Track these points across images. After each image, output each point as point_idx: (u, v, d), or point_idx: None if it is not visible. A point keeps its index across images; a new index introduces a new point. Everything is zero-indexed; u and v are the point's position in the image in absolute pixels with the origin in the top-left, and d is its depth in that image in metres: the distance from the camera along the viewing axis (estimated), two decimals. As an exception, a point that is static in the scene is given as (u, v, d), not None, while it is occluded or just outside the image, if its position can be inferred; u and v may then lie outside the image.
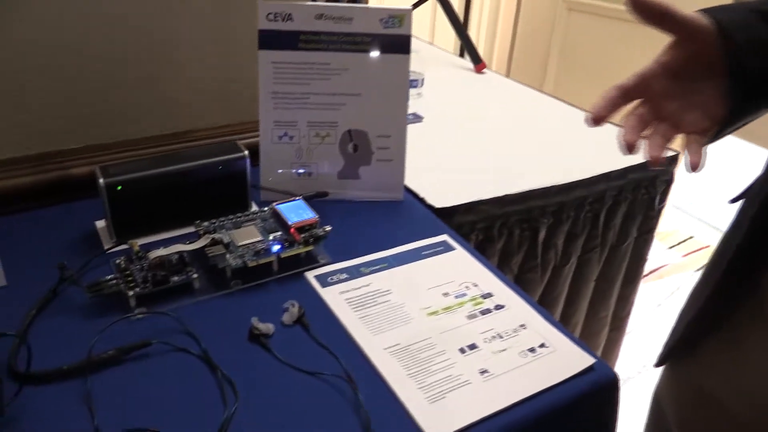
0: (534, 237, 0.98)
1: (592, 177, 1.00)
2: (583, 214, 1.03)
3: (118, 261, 0.67)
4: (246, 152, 0.77)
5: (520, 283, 1.02)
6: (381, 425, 0.53)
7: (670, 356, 0.66)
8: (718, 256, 0.58)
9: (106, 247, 0.72)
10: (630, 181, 1.06)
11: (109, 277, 0.64)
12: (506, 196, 0.92)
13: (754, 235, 0.53)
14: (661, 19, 0.48)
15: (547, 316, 0.67)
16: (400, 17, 0.79)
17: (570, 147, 1.12)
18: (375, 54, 0.80)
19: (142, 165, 0.74)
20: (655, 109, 0.51)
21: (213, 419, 0.52)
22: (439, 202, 0.87)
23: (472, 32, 2.29)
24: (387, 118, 0.83)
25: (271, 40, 0.78)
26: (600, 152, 1.07)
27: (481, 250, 0.94)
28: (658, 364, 0.69)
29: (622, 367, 1.57)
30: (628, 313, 1.27)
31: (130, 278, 0.65)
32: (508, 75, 2.42)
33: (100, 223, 0.76)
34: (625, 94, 0.51)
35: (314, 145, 0.83)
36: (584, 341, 1.20)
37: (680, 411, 0.66)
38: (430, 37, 2.22)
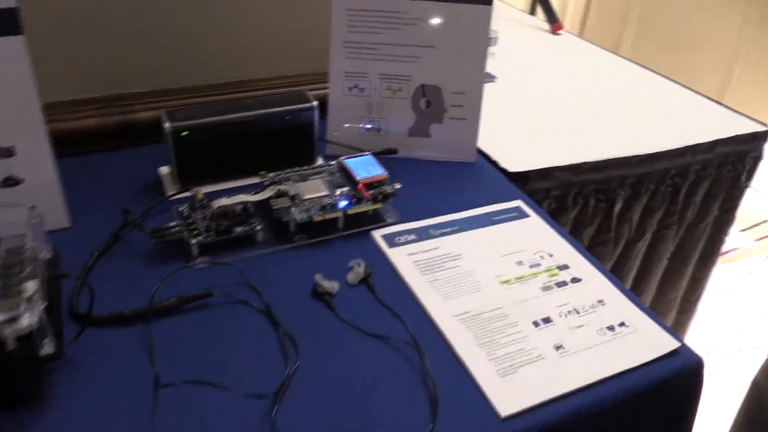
0: (609, 209, 0.92)
1: (678, 149, 0.93)
2: (663, 188, 0.96)
3: (181, 208, 0.65)
4: (315, 103, 0.74)
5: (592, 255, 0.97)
6: (448, 396, 0.50)
7: None
8: None
9: (169, 194, 0.70)
10: (717, 155, 0.99)
11: (172, 224, 0.63)
12: (584, 163, 0.86)
13: None
14: None
15: (628, 293, 0.62)
16: (485, -36, 0.73)
17: (653, 116, 1.04)
18: (453, 3, 0.75)
19: (208, 111, 0.71)
20: None
21: (272, 376, 0.50)
22: (512, 166, 0.82)
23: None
24: (463, 74, 0.78)
25: (345, -16, 0.74)
26: (686, 123, 1.00)
27: (553, 217, 0.88)
28: None
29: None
30: (699, 297, 1.20)
31: (192, 226, 0.63)
32: (581, 36, 2.31)
33: (164, 169, 0.74)
34: None
35: (385, 99, 0.79)
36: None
37: None
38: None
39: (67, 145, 0.76)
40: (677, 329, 1.23)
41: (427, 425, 0.47)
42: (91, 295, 0.52)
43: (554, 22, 1.35)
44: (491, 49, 1.18)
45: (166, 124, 0.68)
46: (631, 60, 1.27)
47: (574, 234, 0.93)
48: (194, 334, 0.54)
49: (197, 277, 0.60)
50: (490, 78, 1.10)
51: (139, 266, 0.61)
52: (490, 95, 1.03)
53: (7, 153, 0.60)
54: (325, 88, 0.79)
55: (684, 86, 1.13)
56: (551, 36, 1.36)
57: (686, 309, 1.20)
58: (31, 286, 0.45)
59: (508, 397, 0.50)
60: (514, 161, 0.83)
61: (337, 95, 0.79)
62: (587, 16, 2.26)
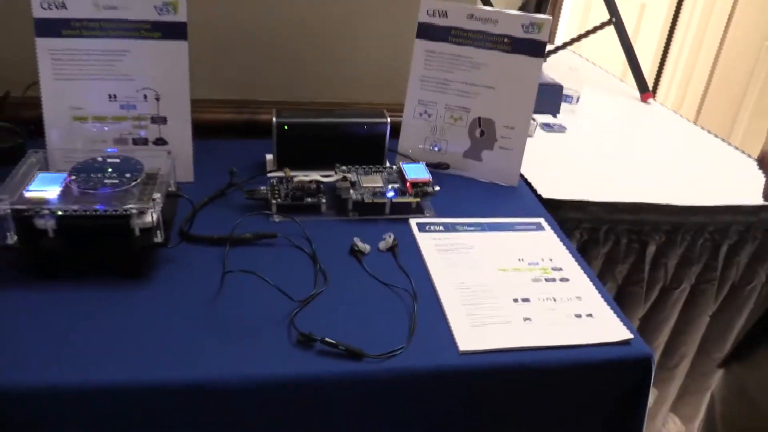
0: (642, 250, 1.03)
1: (716, 206, 1.02)
2: (701, 241, 1.05)
3: (272, 180, 0.87)
4: (388, 119, 0.94)
5: (623, 295, 1.07)
6: (425, 331, 0.66)
7: (729, 360, 0.71)
8: None
9: (268, 171, 0.93)
10: (762, 220, 1.06)
11: (263, 188, 0.85)
12: (617, 202, 0.98)
13: None
14: None
15: (610, 302, 0.74)
16: (540, 24, 0.90)
17: (696, 169, 1.14)
18: (512, 54, 0.92)
19: (307, 114, 0.94)
20: None
21: (304, 293, 0.69)
22: (548, 193, 0.97)
23: (668, 68, 2.27)
24: (514, 111, 0.94)
25: (427, 31, 0.94)
26: (730, 182, 1.08)
27: (584, 249, 1.01)
28: (719, 366, 0.73)
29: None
30: (750, 364, 1.23)
31: (276, 192, 0.84)
32: (697, 118, 2.35)
33: (269, 156, 0.97)
34: None
35: (447, 125, 0.97)
36: (690, 379, 1.21)
37: (724, 407, 0.70)
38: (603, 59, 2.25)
39: (207, 132, 1.02)
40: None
41: (402, 344, 0.64)
42: (190, 219, 0.74)
43: (643, 91, 1.46)
44: (572, 107, 1.33)
45: (274, 119, 0.91)
46: (697, 124, 1.37)
47: (606, 269, 1.04)
48: (257, 260, 0.74)
49: (271, 225, 0.81)
50: (561, 128, 1.25)
51: (234, 212, 0.83)
52: (555, 141, 1.19)
53: (163, 120, 0.86)
54: (399, 116, 0.99)
55: (735, 147, 1.22)
56: (638, 103, 1.47)
57: (734, 373, 1.23)
58: (156, 196, 0.68)
59: (470, 338, 0.65)
60: (551, 189, 0.97)
61: (410, 117, 0.98)
62: (705, 99, 2.31)
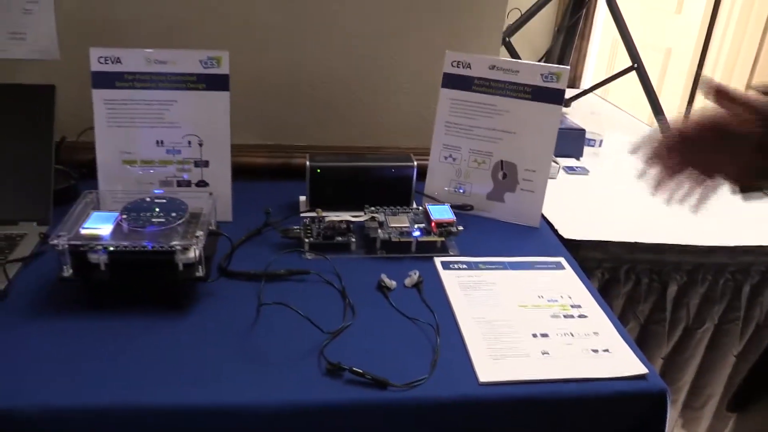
0: (663, 290, 1.05)
1: (737, 246, 1.04)
2: (722, 281, 1.06)
3: (305, 220, 0.93)
4: (414, 163, 0.99)
5: (646, 334, 1.09)
6: (447, 361, 0.70)
7: (739, 404, 0.72)
8: None
9: (301, 211, 0.98)
10: (784, 261, 1.07)
11: (296, 227, 0.90)
12: (637, 242, 1.01)
13: None
14: (732, 102, 0.60)
15: (627, 338, 0.77)
16: (558, 74, 0.96)
17: (718, 210, 1.15)
18: (533, 102, 0.97)
19: (338, 158, 1.00)
20: (690, 157, 0.63)
21: (333, 325, 0.73)
22: (568, 233, 1.00)
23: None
24: (535, 155, 0.99)
25: (452, 81, 1.00)
26: (752, 222, 1.10)
27: (605, 289, 1.04)
28: (728, 410, 0.74)
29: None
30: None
31: (309, 231, 0.90)
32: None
33: (302, 197, 1.03)
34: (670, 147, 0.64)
35: (471, 168, 1.02)
36: (716, 419, 1.21)
37: None
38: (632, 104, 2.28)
39: (245, 174, 1.08)
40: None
41: (425, 374, 0.67)
42: (229, 256, 0.80)
43: (666, 135, 1.50)
44: (595, 150, 1.37)
45: (307, 163, 0.97)
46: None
47: (627, 308, 1.07)
48: (290, 294, 0.79)
49: (304, 262, 0.86)
50: (584, 171, 1.29)
51: (268, 249, 0.88)
52: (577, 183, 1.23)
53: (205, 164, 0.93)
54: (426, 159, 1.04)
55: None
56: (663, 147, 1.50)
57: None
58: (199, 234, 0.74)
59: (489, 370, 0.69)
60: (572, 229, 1.01)
61: (435, 161, 1.04)
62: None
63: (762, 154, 0.58)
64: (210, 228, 0.82)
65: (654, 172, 0.64)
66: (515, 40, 1.60)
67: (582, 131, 1.36)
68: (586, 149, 1.37)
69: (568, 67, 0.97)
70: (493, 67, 0.98)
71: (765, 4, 2.27)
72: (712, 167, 0.62)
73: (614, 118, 1.72)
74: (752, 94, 0.59)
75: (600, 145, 1.38)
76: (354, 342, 0.72)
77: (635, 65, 1.53)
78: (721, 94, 0.60)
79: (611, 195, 1.21)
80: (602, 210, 1.13)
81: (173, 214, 0.77)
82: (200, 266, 0.73)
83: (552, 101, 0.97)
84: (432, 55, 1.11)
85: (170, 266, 0.73)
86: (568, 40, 1.67)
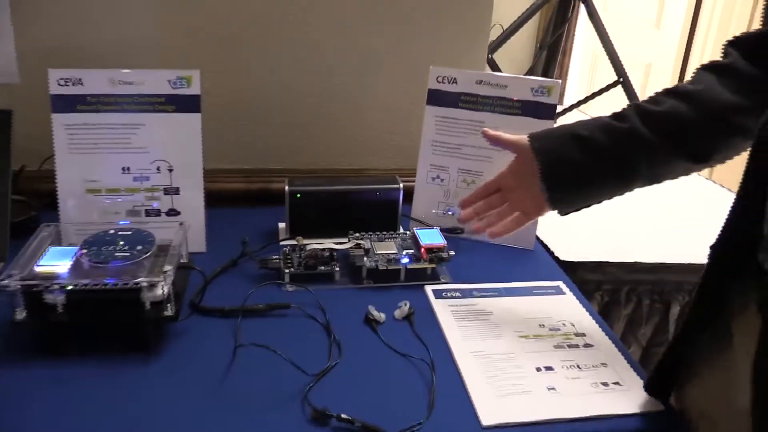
0: (665, 311, 1.00)
1: (739, 265, 1.00)
2: (726, 301, 1.01)
3: (285, 249, 0.86)
4: (401, 185, 0.94)
5: (647, 357, 1.03)
6: (445, 402, 0.63)
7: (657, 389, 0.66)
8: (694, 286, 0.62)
9: (280, 239, 0.92)
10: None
11: (275, 257, 0.83)
12: (636, 263, 0.96)
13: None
14: (497, 141, 0.79)
15: (638, 369, 0.71)
16: (549, 88, 0.91)
17: (717, 227, 1.11)
18: (523, 117, 0.92)
19: (318, 182, 0.94)
20: (505, 197, 0.78)
21: (318, 366, 0.66)
22: (565, 255, 0.95)
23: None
24: (527, 174, 0.94)
25: (437, 98, 0.95)
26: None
27: (606, 311, 0.98)
28: (649, 392, 0.67)
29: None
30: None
31: (289, 261, 0.83)
32: (711, 173, 2.34)
33: (282, 224, 0.97)
34: (486, 188, 0.79)
35: (461, 189, 0.97)
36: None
37: None
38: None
39: (220, 201, 1.02)
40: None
41: (421, 418, 0.61)
42: (202, 291, 0.73)
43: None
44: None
45: (286, 187, 0.90)
46: (708, 178, 1.35)
47: (627, 332, 1.01)
48: (270, 331, 0.72)
49: (284, 295, 0.79)
50: (575, 189, 1.24)
51: (246, 282, 0.82)
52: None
53: (176, 191, 0.86)
54: (412, 181, 0.99)
55: None
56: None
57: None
58: (167, 269, 0.67)
59: (492, 411, 0.62)
60: (568, 250, 0.96)
61: (422, 182, 0.98)
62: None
63: (546, 184, 0.71)
64: (181, 261, 0.75)
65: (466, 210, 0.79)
66: (497, 57, 1.56)
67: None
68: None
69: (560, 81, 0.92)
70: (480, 82, 0.93)
71: (743, 19, 2.28)
72: (518, 204, 0.77)
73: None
74: (511, 136, 0.77)
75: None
76: (341, 384, 0.65)
77: (621, 79, 1.50)
78: (488, 137, 0.80)
79: (605, 213, 1.15)
80: (597, 229, 1.08)
81: (139, 248, 0.70)
82: (169, 304, 0.66)
83: (543, 116, 0.92)
84: (415, 71, 1.06)
85: (136, 305, 0.66)
86: (552, 56, 1.63)
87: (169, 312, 0.66)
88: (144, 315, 0.66)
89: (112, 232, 0.73)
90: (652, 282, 0.98)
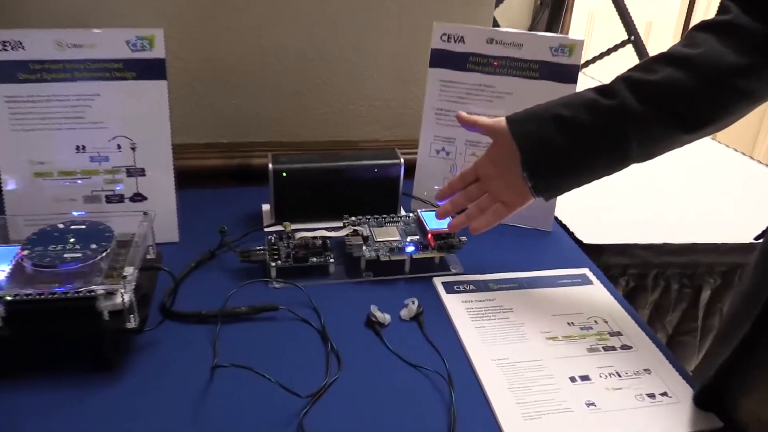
0: (695, 296, 0.90)
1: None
2: (760, 282, 0.92)
3: (270, 237, 0.74)
4: (401, 160, 0.82)
5: (673, 345, 0.94)
6: (464, 426, 0.53)
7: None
8: (752, 296, 0.52)
9: (264, 225, 0.80)
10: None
11: (258, 247, 0.72)
12: (666, 244, 0.86)
13: None
14: (473, 126, 0.71)
15: (681, 370, 0.61)
16: (571, 47, 0.79)
17: (753, 205, 1.01)
18: (541, 81, 0.81)
19: (307, 158, 0.82)
20: (484, 187, 0.69)
21: (313, 383, 0.56)
22: (588, 237, 0.84)
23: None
24: (545, 145, 0.82)
25: (441, 59, 0.82)
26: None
27: (631, 297, 0.88)
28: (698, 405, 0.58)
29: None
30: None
31: (276, 252, 0.72)
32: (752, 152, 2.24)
33: (266, 206, 0.85)
34: (463, 178, 0.71)
35: (469, 163, 0.85)
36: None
37: None
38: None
39: (194, 180, 0.89)
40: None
41: (441, 448, 0.50)
42: (173, 291, 0.61)
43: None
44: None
45: (270, 165, 0.78)
46: (730, 147, 1.24)
47: (654, 319, 0.91)
48: (255, 339, 0.61)
49: (271, 294, 0.68)
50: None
51: (226, 279, 0.70)
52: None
53: (141, 173, 0.74)
54: (414, 153, 0.87)
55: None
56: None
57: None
58: (128, 271, 0.55)
59: (525, 437, 0.52)
60: (591, 233, 0.85)
61: (425, 156, 0.86)
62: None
63: (528, 172, 0.64)
64: (148, 256, 0.64)
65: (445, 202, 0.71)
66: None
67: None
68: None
69: (583, 39, 0.80)
70: (491, 41, 0.81)
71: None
72: (498, 193, 0.68)
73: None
74: (484, 118, 0.70)
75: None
76: (341, 404, 0.54)
77: (632, 38, 1.38)
78: (463, 121, 0.72)
79: (626, 187, 1.05)
80: (619, 207, 0.97)
81: (93, 246, 0.58)
82: (132, 315, 0.55)
83: (564, 80, 0.80)
84: (415, 30, 0.94)
85: (91, 316, 0.54)
86: (555, 14, 1.51)
87: (132, 323, 0.55)
88: (102, 327, 0.55)
89: (61, 227, 0.61)
90: (683, 265, 0.88)
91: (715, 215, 0.96)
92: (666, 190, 1.05)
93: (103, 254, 0.58)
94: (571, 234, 0.85)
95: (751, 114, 0.61)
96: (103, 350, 0.56)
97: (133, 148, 0.73)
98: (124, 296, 0.54)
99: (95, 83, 0.71)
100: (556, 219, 0.86)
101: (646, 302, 0.89)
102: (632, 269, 0.86)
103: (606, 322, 0.67)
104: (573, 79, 0.80)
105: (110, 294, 0.54)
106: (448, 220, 0.75)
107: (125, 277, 0.54)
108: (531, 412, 0.55)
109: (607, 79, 0.63)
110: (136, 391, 0.55)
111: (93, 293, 0.53)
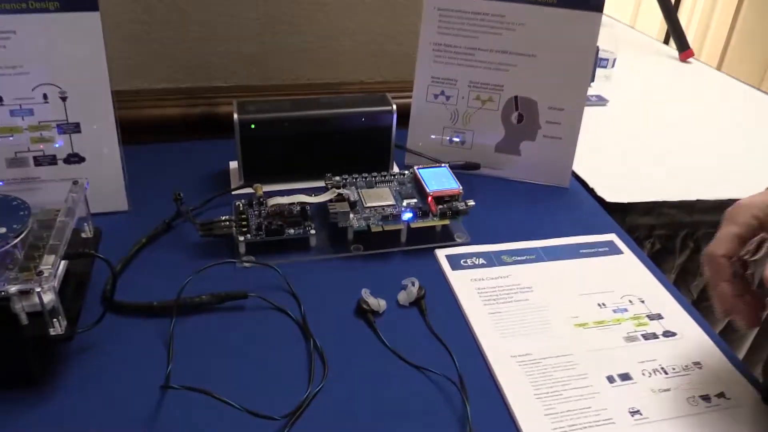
0: (727, 258, 0.79)
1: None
2: (798, 240, 0.81)
3: (237, 203, 0.62)
4: (393, 106, 0.69)
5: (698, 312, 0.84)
6: (487, 450, 0.42)
7: None
8: None
9: (231, 188, 0.67)
10: None
11: (223, 217, 0.59)
12: (699, 201, 0.74)
13: None
14: None
15: (736, 360, 0.51)
16: (598, -35, 0.65)
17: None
18: (560, 9, 0.67)
19: (280, 106, 0.68)
20: None
21: (291, 396, 0.44)
22: (612, 195, 0.72)
23: (683, 15, 2.01)
24: (563, 88, 0.70)
25: (440, -18, 0.68)
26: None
27: (655, 261, 0.77)
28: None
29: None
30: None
31: (244, 223, 0.59)
32: (719, 68, 2.11)
33: (233, 164, 0.72)
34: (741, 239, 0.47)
35: (473, 109, 0.72)
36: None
37: None
38: (632, 21, 1.98)
39: (147, 133, 0.76)
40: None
41: (456, 481, 0.40)
42: (112, 281, 0.49)
43: (684, 49, 1.22)
44: (607, 72, 1.09)
45: (235, 116, 0.65)
46: (765, 92, 1.12)
47: (679, 283, 0.81)
48: (219, 336, 0.50)
49: (239, 276, 0.56)
50: (601, 101, 1.00)
51: (184, 258, 0.58)
52: (598, 118, 0.94)
53: (75, 128, 0.60)
54: (408, 97, 0.74)
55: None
56: (680, 64, 1.22)
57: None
58: (47, 262, 0.42)
59: (560, 462, 0.42)
60: (615, 190, 0.73)
61: (421, 101, 0.73)
62: (728, 46, 2.06)
63: None
64: (84, 235, 0.51)
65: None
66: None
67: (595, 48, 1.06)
68: (598, 71, 1.07)
69: (613, -46, 0.66)
70: (501, -41, 0.67)
71: None
72: None
73: (623, 35, 1.40)
74: None
75: (613, 66, 1.09)
76: (329, 421, 0.43)
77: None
78: None
79: (645, 135, 0.92)
80: (641, 158, 0.85)
81: (3, 229, 0.45)
82: (56, 318, 0.42)
83: (588, 7, 0.67)
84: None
85: (6, 320, 0.42)
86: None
87: (56, 329, 0.43)
88: (19, 334, 0.42)
89: (-40, 202, 0.47)
90: (716, 224, 0.76)
91: (753, 168, 0.85)
92: (698, 139, 0.92)
93: (19, 238, 0.45)
94: (591, 191, 0.74)
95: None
96: (24, 360, 0.44)
97: (64, 98, 0.59)
98: (42, 296, 0.41)
99: (9, 17, 0.56)
100: (574, 173, 0.75)
101: (672, 266, 0.79)
102: (659, 230, 0.75)
103: (642, 301, 0.56)
104: (598, 6, 0.66)
105: (24, 293, 0.41)
106: (449, 177, 0.63)
107: (42, 272, 0.41)
108: (564, 426, 0.44)
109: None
110: (67, 409, 0.43)
111: (2, 293, 0.41)
